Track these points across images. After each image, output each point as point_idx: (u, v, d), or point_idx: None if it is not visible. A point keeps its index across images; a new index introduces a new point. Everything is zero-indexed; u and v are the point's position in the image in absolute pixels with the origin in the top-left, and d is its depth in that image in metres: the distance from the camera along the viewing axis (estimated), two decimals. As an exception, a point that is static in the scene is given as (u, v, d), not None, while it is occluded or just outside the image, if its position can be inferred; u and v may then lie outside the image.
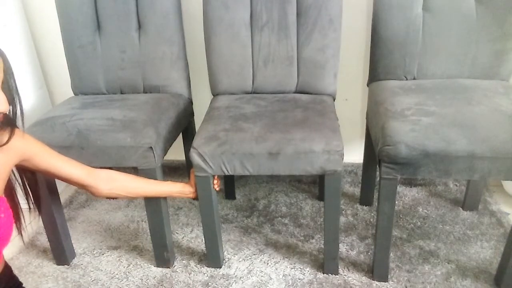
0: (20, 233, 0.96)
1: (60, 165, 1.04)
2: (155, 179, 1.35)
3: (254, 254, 1.54)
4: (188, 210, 1.82)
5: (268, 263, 1.50)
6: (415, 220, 1.67)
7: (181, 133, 1.61)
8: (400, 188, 1.86)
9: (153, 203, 1.39)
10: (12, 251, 1.64)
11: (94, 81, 1.63)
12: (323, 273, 1.44)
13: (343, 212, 1.73)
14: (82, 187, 1.13)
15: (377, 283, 1.39)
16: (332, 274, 1.43)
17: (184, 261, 1.53)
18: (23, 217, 0.96)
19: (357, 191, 1.85)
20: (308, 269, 1.46)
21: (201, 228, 1.48)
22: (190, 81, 1.67)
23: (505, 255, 1.32)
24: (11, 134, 0.84)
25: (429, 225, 1.64)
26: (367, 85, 1.63)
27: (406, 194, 1.83)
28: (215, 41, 1.55)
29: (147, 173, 1.34)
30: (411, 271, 1.43)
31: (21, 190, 0.97)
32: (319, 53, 1.51)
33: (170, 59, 1.59)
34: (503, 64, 1.48)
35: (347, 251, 1.53)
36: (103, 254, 1.59)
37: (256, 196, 1.88)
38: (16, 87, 0.81)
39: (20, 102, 0.83)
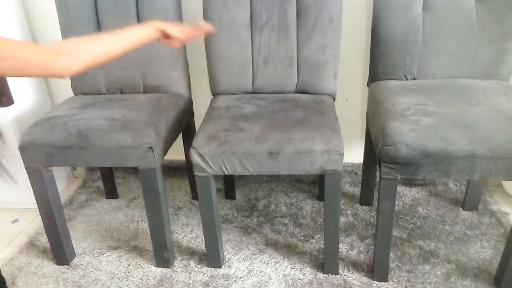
0: None
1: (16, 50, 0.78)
2: (155, 179, 1.35)
3: (254, 254, 1.54)
4: (188, 210, 1.82)
5: (268, 263, 1.50)
6: (415, 220, 1.67)
7: (181, 133, 1.61)
8: (400, 188, 1.86)
9: (153, 203, 1.39)
10: (12, 251, 1.64)
11: (94, 81, 1.63)
12: (323, 273, 1.44)
13: (343, 212, 1.73)
14: (47, 71, 0.84)
15: (377, 283, 1.39)
16: (332, 274, 1.43)
17: (184, 261, 1.53)
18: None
19: (357, 191, 1.85)
20: (308, 269, 1.46)
21: (201, 228, 1.48)
22: (190, 81, 1.67)
23: (505, 255, 1.32)
24: None
25: (429, 225, 1.64)
26: (367, 85, 1.63)
27: (406, 194, 1.83)
28: (215, 41, 1.55)
29: (147, 173, 1.34)
30: (411, 271, 1.43)
31: None
32: (319, 53, 1.51)
33: (170, 59, 1.59)
34: (503, 64, 1.48)
35: (347, 251, 1.53)
36: (103, 254, 1.59)
37: (256, 196, 1.88)
38: None
39: None
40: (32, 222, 1.82)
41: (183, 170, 2.03)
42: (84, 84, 1.65)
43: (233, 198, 1.87)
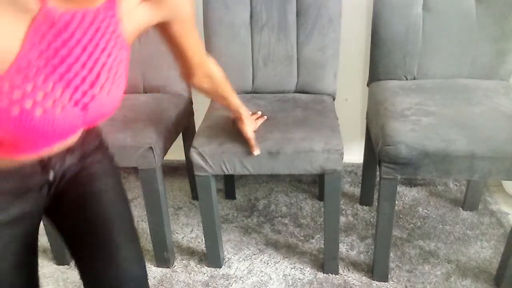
0: None
1: (191, 42, 0.92)
2: (155, 179, 1.35)
3: (254, 254, 1.54)
4: (188, 210, 1.82)
5: (268, 263, 1.50)
6: (415, 220, 1.67)
7: (181, 133, 1.61)
8: (400, 188, 1.86)
9: (153, 203, 1.39)
10: (12, 251, 1.64)
11: (94, 81, 1.63)
12: (323, 273, 1.44)
13: (343, 212, 1.73)
14: (183, 68, 1.03)
15: (377, 283, 1.39)
16: (332, 274, 1.43)
17: (184, 261, 1.53)
18: None
19: (357, 191, 1.85)
20: (308, 269, 1.46)
21: (201, 228, 1.48)
22: (190, 81, 1.67)
23: (505, 255, 1.32)
24: None
25: (429, 225, 1.64)
26: (367, 85, 1.63)
27: (406, 194, 1.83)
28: (215, 41, 1.55)
29: (147, 173, 1.34)
30: (411, 271, 1.43)
31: None
32: (319, 53, 1.51)
33: (170, 59, 1.58)
34: (503, 64, 1.48)
35: (347, 251, 1.53)
36: (103, 254, 1.59)
37: (256, 196, 1.88)
38: None
39: None
40: (32, 222, 1.82)
41: (183, 170, 2.03)
42: (84, 84, 1.64)
43: (233, 198, 1.87)
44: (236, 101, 1.22)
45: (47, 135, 0.66)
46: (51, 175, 0.79)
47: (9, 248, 0.75)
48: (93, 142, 0.87)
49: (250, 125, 1.26)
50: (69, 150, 0.79)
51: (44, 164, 0.76)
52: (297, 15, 1.50)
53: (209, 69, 1.08)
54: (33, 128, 0.63)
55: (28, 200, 0.77)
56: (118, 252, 0.83)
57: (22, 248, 0.78)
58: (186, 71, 1.04)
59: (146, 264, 1.52)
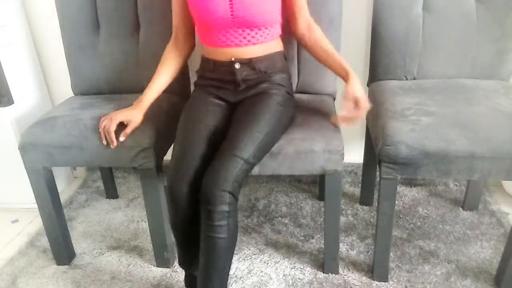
0: None
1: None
2: (155, 179, 1.35)
3: (254, 254, 1.54)
4: (188, 210, 1.81)
5: (268, 263, 1.50)
6: (415, 220, 1.67)
7: (181, 133, 1.61)
8: (400, 188, 1.86)
9: (153, 203, 1.39)
10: (12, 251, 1.64)
11: (94, 81, 1.63)
12: (323, 273, 1.44)
13: (343, 212, 1.73)
14: (289, 18, 1.31)
15: (377, 283, 1.39)
16: (332, 274, 1.43)
17: (184, 261, 1.53)
18: None
19: (357, 191, 1.85)
20: (308, 269, 1.46)
21: (201, 228, 1.48)
22: (190, 81, 1.67)
23: (505, 255, 1.32)
24: None
25: (429, 225, 1.64)
26: (367, 85, 1.63)
27: (406, 194, 1.83)
28: (215, 41, 1.55)
29: (147, 173, 1.34)
30: (411, 271, 1.43)
31: None
32: (319, 53, 1.50)
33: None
34: (503, 64, 1.48)
35: (347, 251, 1.53)
36: (103, 254, 1.59)
37: (256, 196, 1.88)
38: None
39: None
40: (32, 222, 1.82)
41: (183, 170, 2.03)
42: (84, 84, 1.65)
43: (233, 198, 1.87)
44: (339, 58, 1.30)
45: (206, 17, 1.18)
46: (238, 76, 1.23)
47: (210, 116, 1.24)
48: (274, 78, 1.27)
49: (357, 85, 1.24)
50: (249, 65, 1.22)
51: (232, 68, 1.22)
52: (297, 15, 1.50)
53: (310, 22, 1.30)
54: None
55: (225, 92, 1.28)
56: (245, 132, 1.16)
57: (217, 121, 1.24)
58: (291, 20, 1.31)
59: (146, 264, 1.53)
